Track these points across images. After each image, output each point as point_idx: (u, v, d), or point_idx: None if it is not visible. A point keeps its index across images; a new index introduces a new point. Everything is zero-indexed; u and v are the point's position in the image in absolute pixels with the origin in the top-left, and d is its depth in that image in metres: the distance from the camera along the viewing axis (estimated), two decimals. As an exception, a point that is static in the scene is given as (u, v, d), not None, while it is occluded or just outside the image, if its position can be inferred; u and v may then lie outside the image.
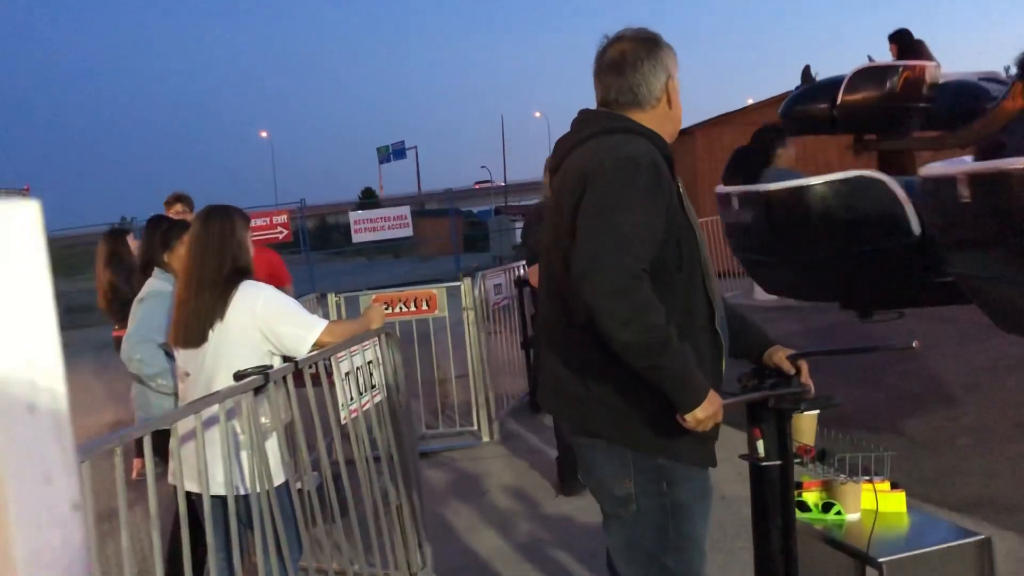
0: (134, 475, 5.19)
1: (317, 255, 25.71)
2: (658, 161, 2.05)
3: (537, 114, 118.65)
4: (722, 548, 3.72)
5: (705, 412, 1.97)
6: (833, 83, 7.83)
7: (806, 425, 2.63)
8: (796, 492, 2.58)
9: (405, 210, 18.35)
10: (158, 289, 3.71)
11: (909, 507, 2.64)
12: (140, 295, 3.79)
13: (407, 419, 3.92)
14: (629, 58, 2.15)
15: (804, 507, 2.59)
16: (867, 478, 2.53)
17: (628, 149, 2.04)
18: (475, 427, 6.50)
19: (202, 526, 2.63)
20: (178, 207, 5.67)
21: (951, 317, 9.52)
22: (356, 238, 18.42)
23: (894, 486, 2.61)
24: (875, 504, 2.53)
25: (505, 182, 61.74)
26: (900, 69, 7.38)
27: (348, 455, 3.79)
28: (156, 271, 3.80)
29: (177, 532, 2.83)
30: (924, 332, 8.55)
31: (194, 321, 3.13)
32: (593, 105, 2.28)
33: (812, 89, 7.95)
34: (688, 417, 1.97)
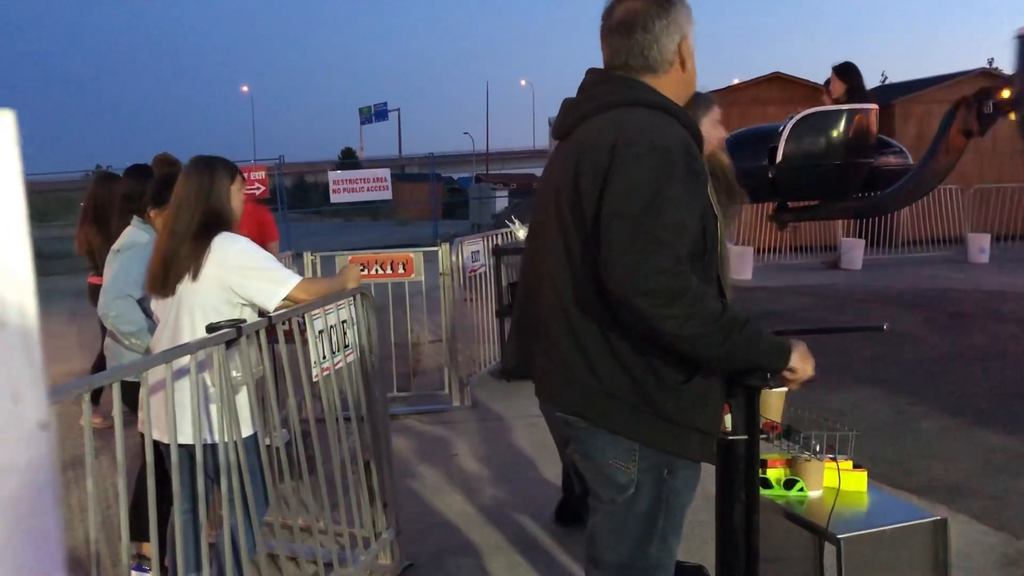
0: (98, 422, 5.15)
1: (294, 213, 25.50)
2: (691, 148, 1.94)
3: (523, 82, 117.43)
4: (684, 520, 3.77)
5: (801, 358, 1.99)
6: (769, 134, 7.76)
7: (774, 402, 2.66)
8: (760, 469, 2.62)
9: (385, 172, 18.20)
10: (135, 240, 3.66)
11: (870, 487, 2.68)
12: (117, 245, 3.73)
13: (378, 380, 3.92)
14: (640, 17, 1.99)
15: (767, 484, 2.62)
16: (830, 457, 2.57)
17: (661, 135, 1.91)
18: (446, 391, 6.52)
19: (169, 477, 2.62)
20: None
21: (920, 304, 9.66)
22: (334, 198, 18.28)
23: (856, 466, 2.65)
24: (837, 483, 2.57)
25: (487, 150, 61.41)
26: (850, 114, 7.41)
27: (319, 414, 3.79)
28: (135, 220, 3.74)
29: (143, 481, 2.82)
30: (892, 318, 8.66)
31: (167, 270, 3.10)
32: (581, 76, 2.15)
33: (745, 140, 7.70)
34: (787, 373, 1.98)
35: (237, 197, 3.21)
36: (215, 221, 3.12)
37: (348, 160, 43.82)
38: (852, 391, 6.11)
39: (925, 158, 8.00)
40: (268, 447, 3.25)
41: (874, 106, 7.41)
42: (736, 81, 18.17)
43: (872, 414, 5.66)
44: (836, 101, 7.46)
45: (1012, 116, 7.71)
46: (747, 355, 1.92)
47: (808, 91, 16.27)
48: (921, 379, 6.49)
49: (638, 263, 1.79)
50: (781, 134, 7.32)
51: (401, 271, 6.36)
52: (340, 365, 3.57)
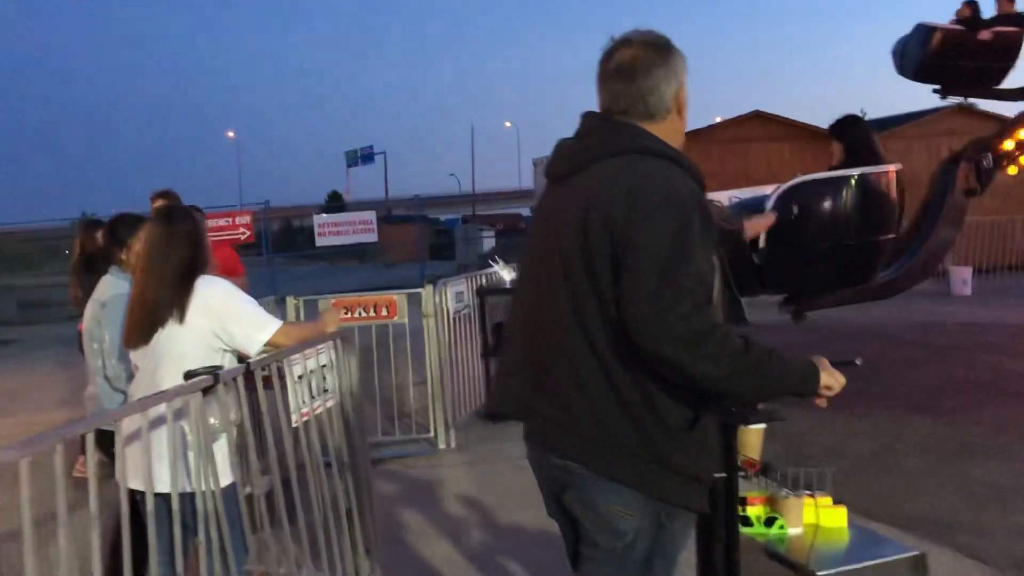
0: (75, 472, 5.07)
1: (280, 258, 25.51)
2: (701, 198, 1.97)
3: (507, 124, 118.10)
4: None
5: (831, 378, 2.00)
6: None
7: (752, 439, 2.68)
8: (740, 506, 2.61)
9: (370, 215, 18.28)
10: (118, 291, 3.59)
11: (851, 523, 2.68)
12: (101, 298, 3.68)
13: (360, 425, 3.90)
14: (641, 64, 2.01)
15: (747, 521, 2.61)
16: (809, 493, 2.57)
17: (674, 186, 1.93)
18: (432, 435, 6.49)
19: (146, 527, 2.59)
20: (160, 203, 5.58)
21: (906, 338, 9.71)
22: (320, 241, 18.32)
23: (836, 502, 2.65)
24: (816, 519, 2.57)
25: (473, 191, 61.73)
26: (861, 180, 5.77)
27: (300, 460, 3.76)
28: (113, 269, 3.72)
29: (119, 533, 2.78)
30: (879, 351, 8.70)
31: (146, 321, 3.10)
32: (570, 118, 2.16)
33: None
34: (822, 391, 2.00)
35: (207, 243, 3.23)
36: (193, 265, 3.13)
37: (334, 203, 43.90)
38: (837, 426, 6.11)
39: (934, 225, 7.03)
40: (248, 496, 3.22)
41: (893, 166, 5.91)
42: (718, 119, 18.41)
43: (857, 449, 5.66)
44: (838, 166, 5.96)
45: (1012, 171, 7.47)
46: (781, 383, 1.97)
47: (788, 128, 16.52)
48: (906, 413, 6.50)
49: (664, 313, 1.82)
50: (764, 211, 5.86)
51: (385, 313, 6.36)
52: (320, 410, 3.55)
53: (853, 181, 5.71)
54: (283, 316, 6.32)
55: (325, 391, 3.60)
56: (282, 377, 3.27)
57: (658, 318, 1.82)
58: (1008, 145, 7.41)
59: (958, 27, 7.74)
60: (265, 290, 12.72)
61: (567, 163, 2.10)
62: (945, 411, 6.51)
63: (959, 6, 7.99)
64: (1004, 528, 4.26)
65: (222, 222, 17.44)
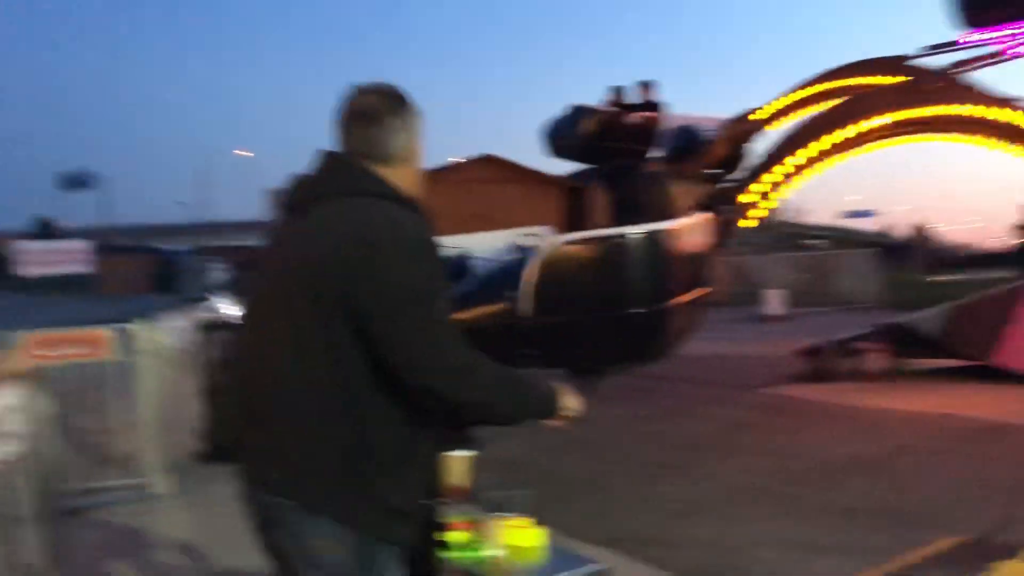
0: None
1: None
2: (434, 240, 2.06)
3: (245, 152, 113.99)
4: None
5: (571, 400, 2.23)
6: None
7: (457, 467, 2.77)
8: (442, 532, 2.70)
9: (82, 245, 16.89)
10: None
11: (550, 543, 2.84)
12: None
13: (50, 472, 3.59)
14: (382, 111, 2.11)
15: (449, 546, 2.71)
16: (509, 516, 2.71)
17: (416, 229, 2.02)
18: (144, 479, 6.07)
19: None
20: None
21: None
22: (24, 271, 16.64)
23: (539, 523, 2.81)
24: (515, 541, 2.71)
25: (206, 221, 58.80)
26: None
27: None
28: None
29: None
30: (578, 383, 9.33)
31: None
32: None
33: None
34: (564, 413, 2.22)
35: None
36: None
37: (42, 231, 39.95)
38: (550, 452, 6.46)
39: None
40: None
41: (681, 221, 5.41)
42: (453, 160, 18.98)
43: (568, 472, 6.02)
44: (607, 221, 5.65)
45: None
46: (536, 406, 2.18)
47: (517, 172, 17.40)
48: (609, 436, 7.02)
49: (434, 347, 1.93)
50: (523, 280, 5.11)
51: (90, 350, 5.89)
52: (6, 456, 3.24)
53: (638, 238, 5.08)
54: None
55: (11, 436, 3.29)
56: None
57: (429, 352, 1.93)
58: (750, 197, 8.36)
59: (610, 110, 8.50)
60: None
61: (302, 197, 2.12)
62: (646, 434, 7.12)
63: (608, 90, 8.82)
64: (693, 539, 4.72)
65: (-99, 249, 15.40)
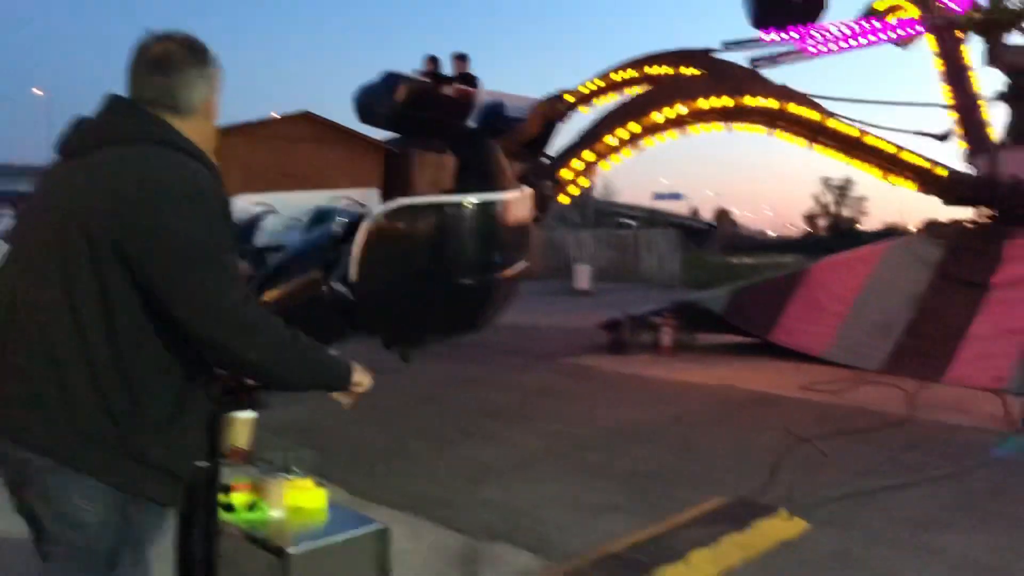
0: None
1: None
2: (223, 194, 2.00)
3: (37, 91, 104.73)
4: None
5: (362, 376, 2.22)
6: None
7: (240, 428, 2.74)
8: (224, 493, 2.67)
9: None
10: None
11: (332, 505, 2.86)
12: None
13: None
14: (176, 60, 2.02)
15: (230, 508, 2.68)
16: (290, 477, 2.71)
17: (201, 181, 1.94)
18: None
19: None
20: None
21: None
22: None
23: (321, 485, 2.83)
24: (297, 501, 2.72)
25: (-9, 163, 53.67)
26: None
27: None
28: None
29: None
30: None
31: None
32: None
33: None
34: (351, 390, 2.21)
35: None
36: None
37: None
38: (354, 417, 6.46)
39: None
40: None
41: (519, 191, 5.25)
42: (273, 115, 18.30)
43: (370, 437, 6.05)
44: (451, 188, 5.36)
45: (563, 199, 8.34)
46: (322, 374, 2.15)
47: (340, 133, 17.00)
48: (413, 404, 7.10)
49: (219, 299, 1.89)
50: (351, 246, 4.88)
51: None
52: None
53: (472, 207, 4.96)
54: None
55: None
56: None
57: (214, 304, 1.89)
58: (566, 174, 8.51)
59: (425, 80, 8.54)
60: None
61: (82, 141, 2.01)
62: (450, 402, 7.25)
63: (423, 60, 8.86)
64: (481, 502, 4.87)
65: None
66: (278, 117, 17.99)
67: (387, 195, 7.05)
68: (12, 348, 1.95)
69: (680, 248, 23.90)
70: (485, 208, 5.09)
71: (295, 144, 16.24)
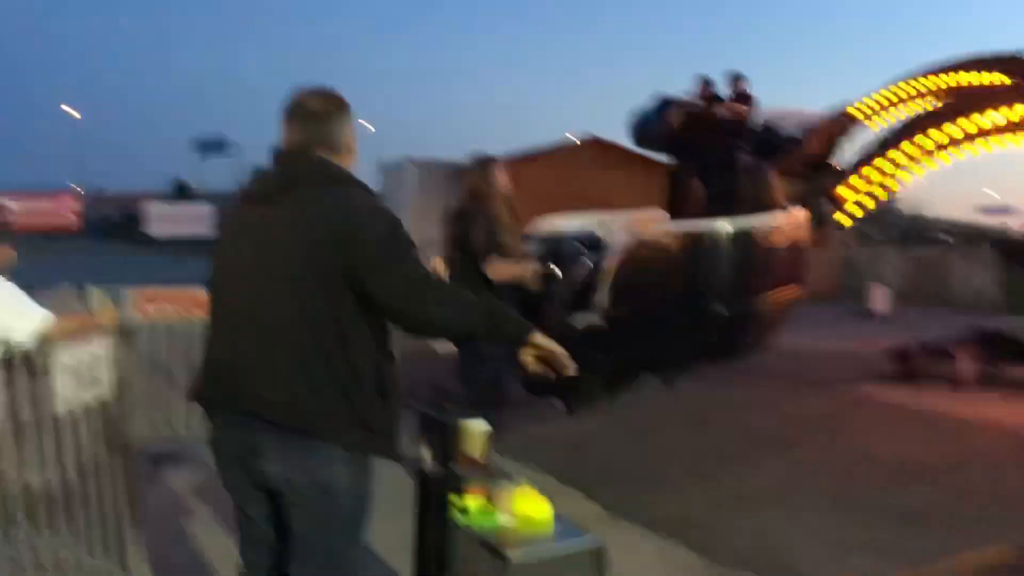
0: None
1: (115, 245, 24.39)
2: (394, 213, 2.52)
3: (364, 123, 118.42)
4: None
5: (545, 339, 2.53)
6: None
7: (475, 438, 3.00)
8: (459, 496, 2.93)
9: (207, 208, 17.89)
10: None
11: (557, 517, 3.00)
12: None
13: (133, 420, 3.99)
14: (326, 110, 2.54)
15: (464, 511, 2.94)
16: (519, 485, 2.92)
17: (383, 206, 2.51)
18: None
19: None
20: None
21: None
22: (155, 232, 17.77)
23: (543, 495, 3.01)
24: (525, 510, 2.92)
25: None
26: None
27: (68, 454, 3.81)
28: None
29: None
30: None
31: None
32: None
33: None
34: (531, 349, 2.52)
35: None
36: None
37: (178, 194, 42.24)
38: (614, 436, 6.61)
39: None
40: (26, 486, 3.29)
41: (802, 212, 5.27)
42: (569, 136, 18.88)
43: (627, 456, 6.17)
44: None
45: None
46: (500, 327, 2.50)
47: (623, 156, 17.32)
48: (677, 426, 7.10)
49: (424, 292, 2.39)
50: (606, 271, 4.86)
51: (189, 308, 6.37)
52: (89, 401, 3.63)
53: (729, 232, 4.74)
54: (86, 306, 6.25)
55: (97, 382, 3.69)
56: (46, 366, 3.35)
57: (408, 282, 2.38)
58: (851, 192, 8.15)
59: (698, 102, 8.38)
60: (88, 278, 12.25)
61: (277, 187, 2.48)
62: (708, 423, 7.16)
63: (696, 81, 8.67)
64: (734, 529, 4.80)
65: (44, 204, 16.68)
66: (573, 143, 18.67)
67: (671, 217, 7.11)
68: (264, 353, 2.39)
69: (1004, 269, 21.37)
70: (743, 234, 4.95)
71: (582, 168, 16.79)
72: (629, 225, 5.54)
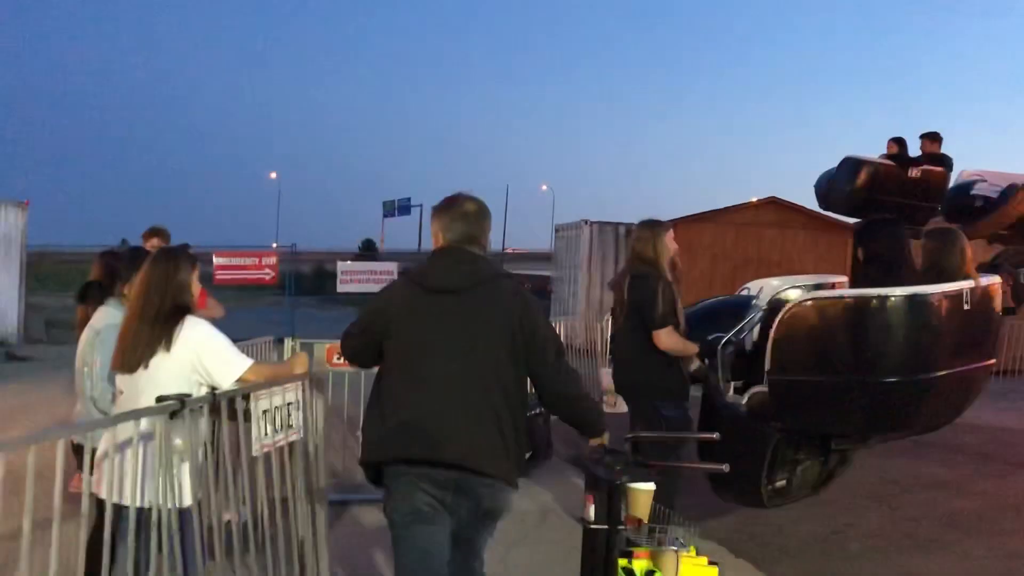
0: (71, 488, 5.44)
1: (308, 300, 26.03)
2: None
3: (544, 187, 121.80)
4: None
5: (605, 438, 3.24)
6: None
7: (641, 499, 3.01)
8: (626, 559, 2.94)
9: (392, 266, 18.75)
10: (114, 321, 3.99)
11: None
12: (97, 325, 4.11)
13: (321, 462, 4.23)
14: (482, 211, 3.21)
15: (631, 573, 2.93)
16: (686, 551, 2.89)
17: (528, 293, 3.32)
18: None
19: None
20: (155, 240, 5.96)
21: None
22: (341, 288, 18.75)
23: (711, 563, 2.97)
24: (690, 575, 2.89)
25: (503, 249, 62.38)
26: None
27: (264, 493, 4.09)
28: (110, 300, 4.16)
29: (93, 544, 3.12)
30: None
31: (134, 350, 3.50)
32: None
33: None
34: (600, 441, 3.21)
35: (196, 284, 3.66)
36: (182, 305, 3.56)
37: (366, 251, 44.70)
38: (793, 506, 6.33)
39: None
40: (227, 523, 3.57)
41: (992, 280, 5.03)
42: (754, 200, 18.54)
43: (806, 529, 5.89)
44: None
45: None
46: (594, 421, 3.24)
47: (803, 216, 16.74)
48: (862, 502, 6.71)
49: (560, 373, 3.16)
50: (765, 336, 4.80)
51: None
52: (282, 443, 3.90)
53: (899, 300, 4.57)
54: (280, 357, 6.71)
55: (289, 427, 3.96)
56: (247, 410, 3.64)
57: (563, 369, 3.18)
58: None
59: (887, 162, 7.96)
60: (282, 331, 13.14)
61: (455, 278, 3.08)
62: (898, 500, 6.72)
63: (888, 142, 8.23)
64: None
65: (247, 261, 18.07)
66: (751, 202, 18.31)
67: (853, 281, 6.75)
68: (472, 416, 3.00)
69: None
70: (921, 302, 4.63)
71: (761, 228, 16.40)
72: (802, 290, 5.34)
